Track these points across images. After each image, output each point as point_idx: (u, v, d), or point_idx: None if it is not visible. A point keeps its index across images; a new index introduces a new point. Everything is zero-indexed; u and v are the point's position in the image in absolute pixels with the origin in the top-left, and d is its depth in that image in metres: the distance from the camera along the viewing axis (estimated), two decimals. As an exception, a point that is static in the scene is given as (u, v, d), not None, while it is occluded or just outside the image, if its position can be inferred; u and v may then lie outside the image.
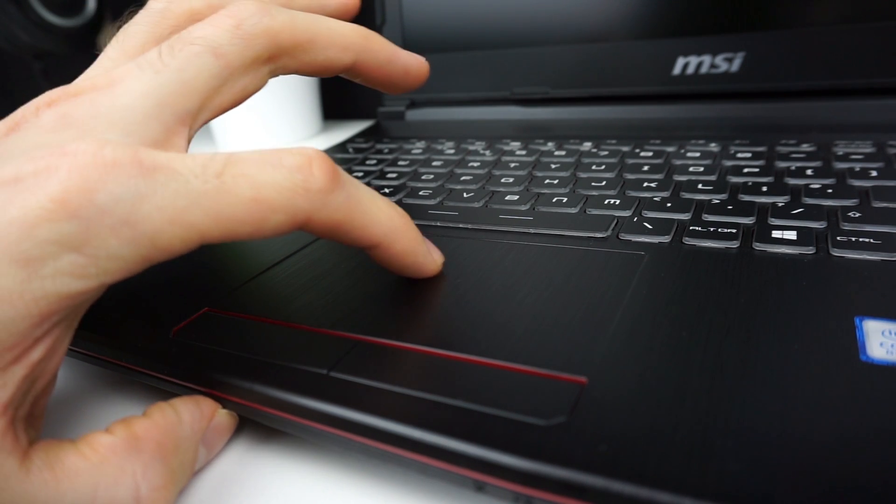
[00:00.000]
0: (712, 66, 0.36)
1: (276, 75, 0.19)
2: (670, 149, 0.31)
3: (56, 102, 0.16)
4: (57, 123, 0.15)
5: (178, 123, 0.16)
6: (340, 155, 0.39)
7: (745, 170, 0.27)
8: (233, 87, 0.18)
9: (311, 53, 0.19)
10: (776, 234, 0.21)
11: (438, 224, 0.25)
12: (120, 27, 0.19)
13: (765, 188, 0.25)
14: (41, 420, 0.15)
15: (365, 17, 0.56)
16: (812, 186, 0.24)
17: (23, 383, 0.13)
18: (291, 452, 0.17)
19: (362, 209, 0.17)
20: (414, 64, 0.21)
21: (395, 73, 0.21)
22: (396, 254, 0.18)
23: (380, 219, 0.17)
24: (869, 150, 0.28)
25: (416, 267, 0.19)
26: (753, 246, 0.20)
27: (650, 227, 0.22)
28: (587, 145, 0.34)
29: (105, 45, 0.19)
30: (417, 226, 0.25)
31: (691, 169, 0.28)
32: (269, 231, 0.15)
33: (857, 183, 0.24)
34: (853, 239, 0.20)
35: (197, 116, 0.17)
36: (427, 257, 0.19)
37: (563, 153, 0.33)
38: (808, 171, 0.26)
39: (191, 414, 0.16)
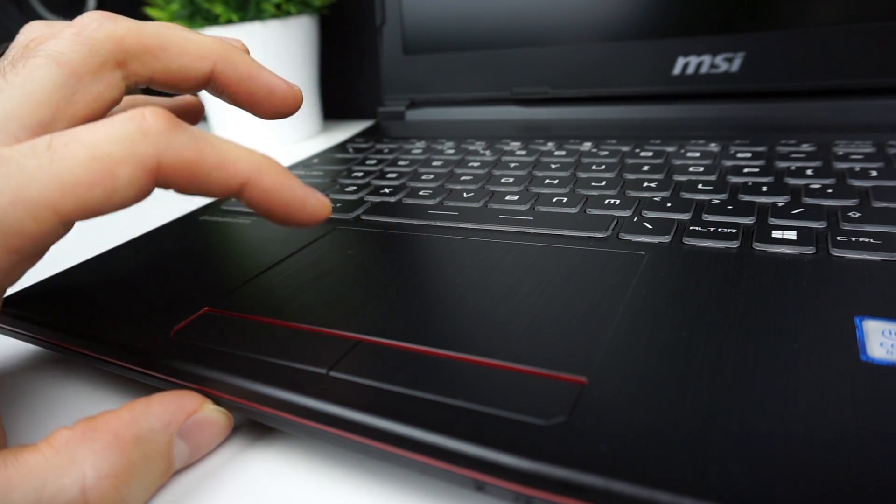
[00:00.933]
0: (712, 66, 0.36)
1: (133, 84, 0.19)
2: (670, 149, 0.31)
3: None
4: None
5: (29, 135, 0.16)
6: (340, 155, 0.39)
7: (745, 170, 0.27)
8: (85, 95, 0.17)
9: (163, 60, 0.19)
10: (776, 234, 0.21)
11: (438, 224, 0.25)
12: None
13: (765, 188, 0.25)
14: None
15: (365, 17, 0.57)
16: (812, 186, 0.24)
17: None
18: (290, 452, 0.17)
19: (214, 146, 0.16)
20: (280, 85, 0.20)
21: (257, 91, 0.20)
22: (268, 188, 0.17)
23: (238, 154, 0.16)
24: (869, 150, 0.28)
25: (296, 202, 0.17)
26: (753, 246, 0.20)
27: (650, 227, 0.22)
28: (587, 145, 0.34)
29: None
30: (417, 226, 0.25)
31: (691, 169, 0.28)
32: (123, 189, 0.15)
33: (857, 183, 0.24)
34: (853, 239, 0.20)
35: (51, 128, 0.17)
36: (305, 190, 0.17)
37: (563, 153, 0.33)
38: (808, 171, 0.26)
39: (163, 407, 0.16)
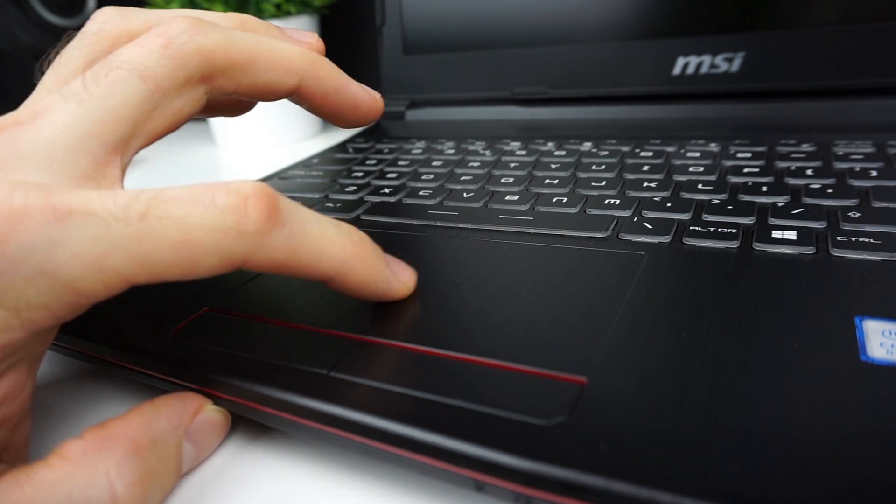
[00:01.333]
0: (712, 66, 0.36)
1: (214, 97, 0.18)
2: (670, 149, 0.31)
3: None
4: None
5: (107, 154, 0.16)
6: (340, 155, 0.39)
7: (745, 170, 0.27)
8: (165, 110, 0.17)
9: (250, 75, 0.18)
10: (776, 234, 0.21)
11: (438, 224, 0.25)
12: (59, 52, 0.18)
13: (765, 188, 0.25)
14: (25, 448, 0.15)
15: (365, 17, 0.57)
16: (812, 186, 0.24)
17: None
18: (290, 452, 0.17)
19: (307, 245, 0.15)
20: (365, 98, 0.20)
21: (342, 105, 0.20)
22: (354, 285, 0.17)
23: (330, 253, 0.16)
24: (869, 150, 0.28)
25: (378, 295, 0.18)
26: (753, 246, 0.20)
27: (650, 227, 0.22)
28: (587, 145, 0.34)
29: (43, 72, 0.18)
30: (417, 226, 0.25)
31: (691, 169, 0.28)
32: (202, 273, 0.14)
33: (857, 183, 0.24)
34: (853, 239, 0.20)
35: (129, 144, 0.16)
36: (391, 282, 0.18)
37: (563, 153, 0.33)
38: (808, 171, 0.26)
39: (170, 410, 0.16)
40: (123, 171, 0.16)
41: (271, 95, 0.19)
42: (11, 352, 0.14)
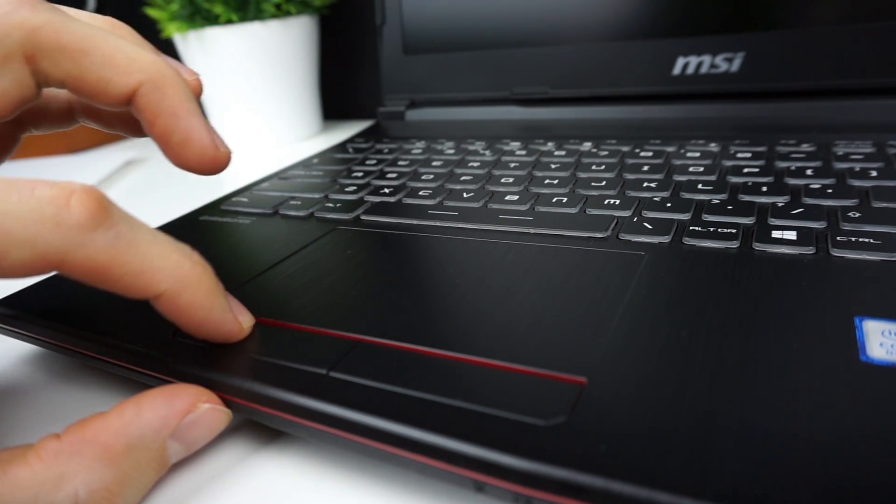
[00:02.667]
0: (712, 66, 0.36)
1: (42, 84, 0.17)
2: (670, 149, 0.31)
3: None
4: None
5: None
6: (340, 155, 0.39)
7: (745, 170, 0.27)
8: None
9: (81, 65, 0.16)
10: (776, 234, 0.21)
11: (438, 224, 0.25)
12: None
13: (765, 188, 0.25)
14: None
15: (365, 17, 0.57)
16: (812, 186, 0.24)
17: None
18: (291, 452, 0.17)
19: (136, 253, 0.14)
20: (202, 139, 0.18)
21: (172, 133, 0.18)
22: (184, 307, 0.15)
23: (161, 264, 0.15)
24: (869, 150, 0.28)
25: (210, 326, 0.16)
26: (753, 246, 0.20)
27: (650, 227, 0.22)
28: (587, 145, 0.34)
29: None
30: (417, 226, 0.25)
31: (691, 169, 0.28)
32: (10, 268, 0.13)
33: (857, 183, 0.24)
34: (853, 239, 0.20)
35: None
36: (225, 315, 0.16)
37: (563, 153, 0.33)
38: (808, 171, 0.26)
39: (155, 410, 0.15)
40: None
41: (105, 97, 0.17)
42: None
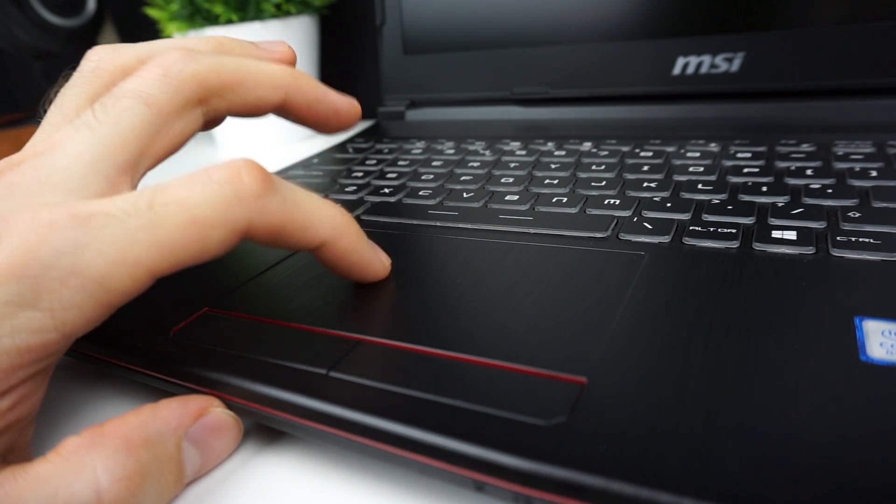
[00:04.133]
0: (712, 66, 0.36)
1: (211, 117, 0.19)
2: (670, 149, 0.31)
3: (2, 172, 0.16)
4: (3, 192, 0.16)
5: (119, 174, 0.17)
6: (340, 155, 0.39)
7: (745, 170, 0.27)
8: (168, 132, 0.18)
9: (241, 94, 0.19)
10: (776, 234, 0.21)
11: (438, 224, 0.25)
12: (57, 91, 0.19)
13: (765, 188, 0.25)
14: (28, 449, 0.16)
15: (365, 17, 0.57)
16: (812, 186, 0.24)
17: None
18: (292, 453, 0.17)
19: (301, 209, 0.17)
20: (344, 105, 0.22)
21: (324, 113, 0.21)
22: (342, 250, 0.18)
23: (321, 216, 0.17)
24: (869, 150, 0.28)
25: (362, 265, 0.19)
26: (753, 246, 0.20)
27: (650, 227, 0.22)
28: (587, 145, 0.34)
29: (45, 111, 0.19)
30: (417, 226, 0.25)
31: (691, 169, 0.28)
32: (213, 249, 0.15)
33: (857, 183, 0.24)
34: (853, 239, 0.20)
35: (138, 165, 0.18)
36: (372, 256, 0.20)
37: (563, 153, 0.33)
38: (808, 171, 0.26)
39: (170, 411, 0.16)
40: (134, 189, 0.18)
41: (260, 111, 0.20)
42: (45, 355, 0.14)
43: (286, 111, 0.21)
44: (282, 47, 0.22)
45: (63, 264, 0.14)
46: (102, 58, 0.19)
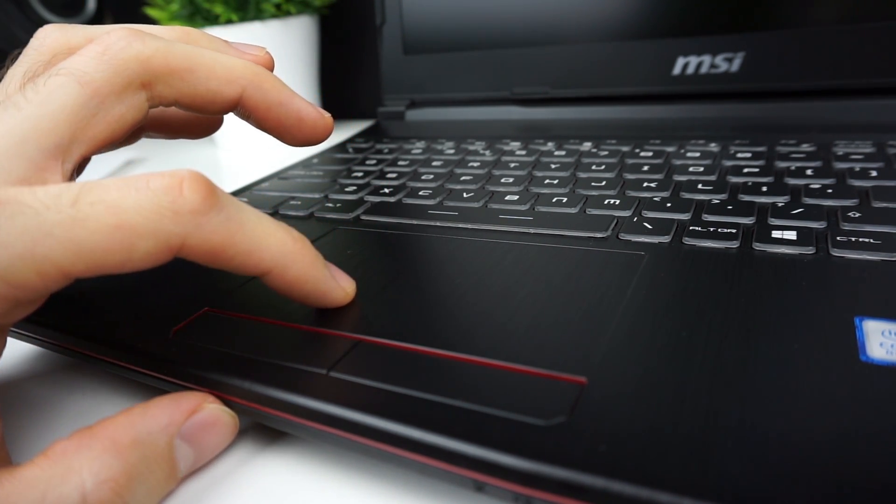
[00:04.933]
0: (712, 66, 0.36)
1: (157, 105, 0.18)
2: (670, 149, 0.31)
3: None
4: None
5: (46, 158, 0.16)
6: (340, 155, 0.39)
7: (745, 170, 0.27)
8: (106, 116, 0.17)
9: (190, 83, 0.18)
10: (776, 234, 0.21)
11: (438, 224, 0.25)
12: (6, 70, 0.19)
13: (765, 188, 0.25)
14: (2, 448, 0.15)
15: (365, 17, 0.57)
16: (812, 186, 0.24)
17: None
18: (292, 453, 0.17)
19: (246, 232, 0.16)
20: (310, 113, 0.20)
21: (286, 119, 0.20)
22: (291, 280, 0.17)
23: (268, 242, 0.16)
24: (869, 150, 0.28)
25: (317, 294, 0.18)
26: (753, 246, 0.20)
27: (650, 227, 0.22)
28: (587, 145, 0.34)
29: None
30: (417, 226, 0.25)
31: (691, 169, 0.28)
32: (139, 260, 0.14)
33: (857, 183, 0.24)
34: (853, 239, 0.20)
35: (69, 150, 0.16)
36: (329, 283, 0.18)
37: (563, 153, 0.33)
38: (808, 171, 0.26)
39: (161, 409, 0.15)
40: (66, 178, 0.17)
41: (214, 106, 0.19)
42: None
43: (245, 111, 0.19)
44: (257, 51, 0.21)
45: None
46: (47, 35, 0.18)
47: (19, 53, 0.19)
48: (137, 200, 0.14)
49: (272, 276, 0.17)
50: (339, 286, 0.18)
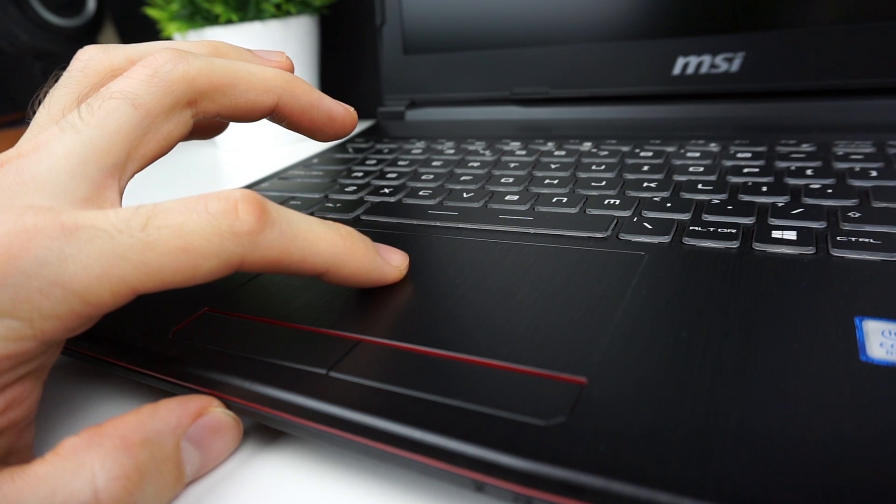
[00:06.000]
0: (712, 66, 0.36)
1: (200, 120, 0.19)
2: (670, 149, 0.31)
3: None
4: None
5: (105, 177, 0.17)
6: (340, 155, 0.39)
7: (745, 170, 0.27)
8: (156, 134, 0.18)
9: (232, 97, 0.19)
10: (776, 234, 0.21)
11: (438, 224, 0.25)
12: (47, 92, 0.19)
13: (765, 188, 0.25)
14: (29, 451, 0.16)
15: (365, 17, 0.57)
16: (812, 186, 0.24)
17: None
18: (292, 453, 0.17)
19: (298, 242, 0.16)
20: (339, 111, 0.22)
21: (319, 119, 0.21)
22: (347, 276, 0.18)
23: (320, 248, 0.17)
24: (869, 150, 0.28)
25: (373, 282, 0.19)
26: (753, 246, 0.20)
27: (650, 227, 0.22)
28: (587, 145, 0.34)
29: (34, 112, 0.19)
30: (417, 226, 0.25)
31: (691, 169, 0.28)
32: (203, 277, 0.15)
33: (857, 183, 0.24)
34: (853, 239, 0.20)
35: (125, 168, 0.17)
36: (383, 269, 0.19)
37: (562, 153, 0.33)
38: (808, 171, 0.26)
39: (169, 411, 0.16)
40: (121, 193, 0.17)
41: (252, 115, 0.20)
42: (23, 361, 0.14)
43: (280, 116, 0.21)
44: (279, 56, 0.22)
45: (45, 274, 0.13)
46: (91, 57, 0.19)
47: (59, 74, 0.19)
48: (200, 224, 0.15)
49: (329, 276, 0.18)
50: (391, 267, 0.20)
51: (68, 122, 0.17)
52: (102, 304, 0.14)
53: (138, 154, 0.18)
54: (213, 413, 0.16)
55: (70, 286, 0.14)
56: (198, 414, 0.16)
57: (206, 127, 0.24)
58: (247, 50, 0.22)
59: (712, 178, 0.27)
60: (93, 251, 0.14)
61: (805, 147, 0.29)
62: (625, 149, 0.32)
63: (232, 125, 0.52)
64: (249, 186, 0.34)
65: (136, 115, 0.17)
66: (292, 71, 0.22)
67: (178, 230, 0.15)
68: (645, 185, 0.27)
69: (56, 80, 0.19)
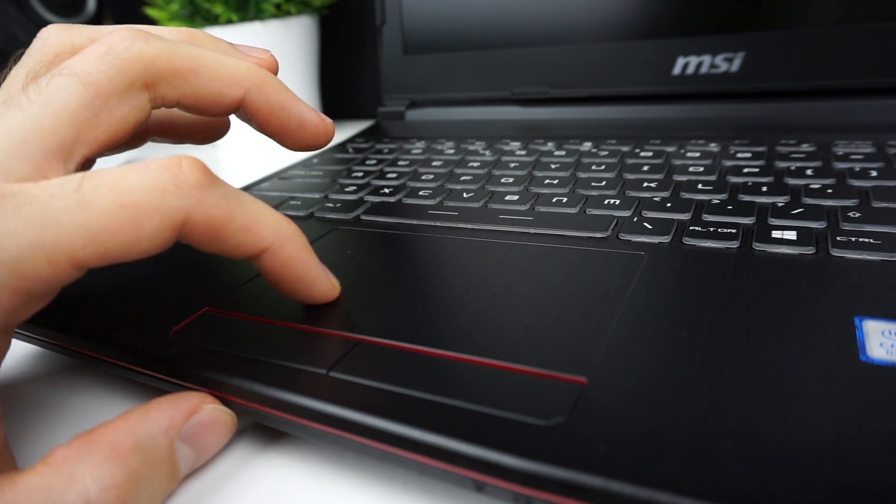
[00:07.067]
0: (712, 66, 0.36)
1: (160, 106, 0.18)
2: (670, 149, 0.31)
3: None
4: None
5: (48, 159, 0.16)
6: (340, 155, 0.39)
7: (745, 170, 0.27)
8: (109, 117, 0.17)
9: (194, 84, 0.18)
10: (776, 234, 0.21)
11: (438, 224, 0.25)
12: (9, 71, 0.18)
13: (765, 188, 0.25)
14: (5, 450, 0.15)
15: (365, 17, 0.57)
16: (812, 186, 0.24)
17: None
18: (293, 453, 0.17)
19: (245, 207, 0.16)
20: (312, 119, 0.20)
21: (288, 123, 0.20)
22: (286, 259, 0.17)
23: (266, 219, 0.16)
24: (869, 150, 0.28)
25: (308, 279, 0.18)
26: (753, 246, 0.20)
27: (650, 227, 0.22)
28: (587, 145, 0.34)
29: None
30: (417, 226, 0.25)
31: (691, 169, 0.28)
32: (146, 239, 0.14)
33: (857, 183, 0.24)
34: (853, 239, 0.20)
35: (72, 150, 0.16)
36: (320, 271, 0.18)
37: (562, 153, 0.33)
38: (808, 171, 0.26)
39: (160, 412, 0.15)
40: None
41: (216, 108, 0.19)
42: None
43: (247, 113, 0.19)
44: (261, 53, 0.21)
45: None
46: (51, 35, 0.18)
47: (22, 54, 0.19)
48: (140, 179, 0.14)
49: (268, 256, 0.17)
50: (327, 278, 0.19)
51: (13, 101, 0.16)
52: (40, 276, 0.13)
53: (88, 137, 0.16)
54: (206, 410, 0.16)
55: None
56: (190, 413, 0.16)
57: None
58: (227, 43, 0.21)
59: (712, 178, 0.27)
60: (21, 217, 0.13)
61: (805, 147, 0.29)
62: (625, 149, 0.32)
63: (232, 126, 0.52)
64: (249, 186, 0.34)
65: (86, 94, 0.16)
66: (275, 70, 0.21)
67: (115, 187, 0.14)
68: (645, 185, 0.27)
69: (17, 61, 0.18)
